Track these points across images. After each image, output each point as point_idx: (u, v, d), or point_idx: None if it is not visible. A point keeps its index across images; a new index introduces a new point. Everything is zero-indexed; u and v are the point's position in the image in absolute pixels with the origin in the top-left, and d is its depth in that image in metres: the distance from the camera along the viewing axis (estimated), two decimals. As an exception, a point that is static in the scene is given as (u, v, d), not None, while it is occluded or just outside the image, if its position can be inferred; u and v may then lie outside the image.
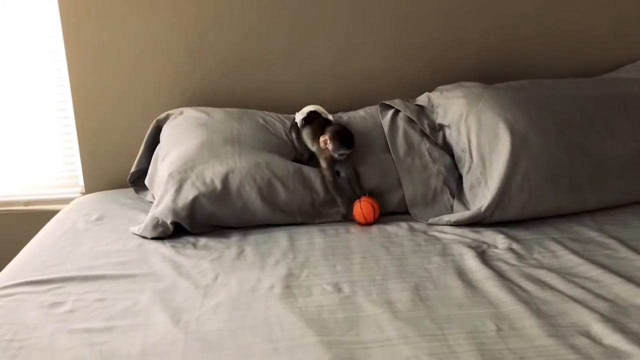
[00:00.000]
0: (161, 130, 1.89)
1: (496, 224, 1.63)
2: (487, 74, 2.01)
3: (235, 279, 1.37)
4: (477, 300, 1.24)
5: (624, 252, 1.44)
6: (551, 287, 1.28)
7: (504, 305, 1.21)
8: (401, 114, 1.85)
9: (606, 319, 1.14)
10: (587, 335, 1.10)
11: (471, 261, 1.42)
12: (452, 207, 1.72)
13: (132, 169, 1.92)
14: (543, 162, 1.67)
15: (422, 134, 1.81)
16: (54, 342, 1.12)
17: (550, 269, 1.37)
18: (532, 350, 1.06)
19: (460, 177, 1.78)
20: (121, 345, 1.10)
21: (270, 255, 1.49)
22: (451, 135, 1.81)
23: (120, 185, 2.03)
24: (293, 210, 1.67)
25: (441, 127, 1.85)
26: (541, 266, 1.39)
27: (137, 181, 1.93)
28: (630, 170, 1.74)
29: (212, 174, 1.64)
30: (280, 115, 1.89)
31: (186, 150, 1.70)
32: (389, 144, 1.78)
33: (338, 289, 1.30)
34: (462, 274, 1.36)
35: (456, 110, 1.81)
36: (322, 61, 2.05)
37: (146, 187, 1.88)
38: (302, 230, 1.64)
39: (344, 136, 1.69)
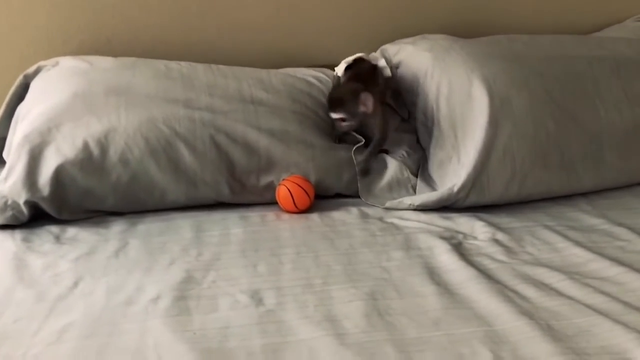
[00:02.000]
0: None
1: (471, 209, 1.26)
2: (455, 33, 1.64)
3: (105, 286, 0.91)
4: (460, 313, 0.85)
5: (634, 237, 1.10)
6: (559, 293, 0.91)
7: (499, 321, 0.82)
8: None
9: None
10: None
11: (445, 257, 1.03)
12: (414, 188, 1.33)
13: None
14: (529, 131, 1.30)
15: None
16: None
17: (552, 267, 1.00)
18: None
19: (423, 152, 1.40)
20: None
21: (165, 251, 1.04)
22: (412, 102, 1.43)
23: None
24: (204, 184, 1.21)
25: (398, 92, 1.47)
26: (539, 263, 1.02)
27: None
28: (628, 145, 1.41)
29: (86, 134, 1.17)
30: (194, 64, 1.41)
31: (52, 105, 1.23)
32: None
33: (257, 299, 0.88)
34: (434, 275, 0.96)
35: (419, 67, 1.43)
36: (253, 10, 1.61)
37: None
38: (215, 216, 1.20)
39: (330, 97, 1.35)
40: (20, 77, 1.45)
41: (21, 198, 1.11)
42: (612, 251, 1.06)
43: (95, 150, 1.17)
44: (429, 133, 1.37)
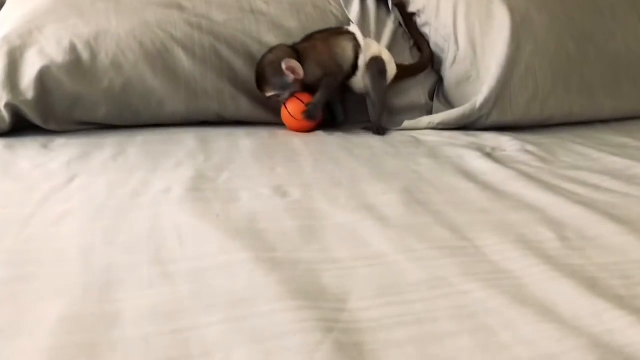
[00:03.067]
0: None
1: (492, 129, 1.18)
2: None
3: (104, 181, 0.80)
4: (507, 203, 0.77)
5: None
6: (611, 190, 0.83)
7: (553, 209, 0.74)
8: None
9: None
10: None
11: (477, 162, 0.95)
12: (430, 113, 1.25)
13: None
14: (550, 50, 1.24)
15: (397, 22, 1.34)
16: None
17: (594, 171, 0.93)
18: (631, 265, 0.60)
19: (437, 76, 1.32)
20: None
21: (169, 156, 0.93)
22: (426, 23, 1.34)
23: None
24: (205, 93, 1.10)
25: (410, 16, 1.38)
26: (578, 168, 0.95)
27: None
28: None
29: (73, 35, 1.05)
30: None
31: (32, 8, 1.09)
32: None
33: (281, 192, 0.78)
34: (469, 176, 0.88)
35: (432, -13, 1.35)
36: None
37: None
38: (221, 130, 1.09)
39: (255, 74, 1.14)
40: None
41: (1, 101, 0.98)
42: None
43: (84, 53, 1.04)
44: (444, 53, 1.28)
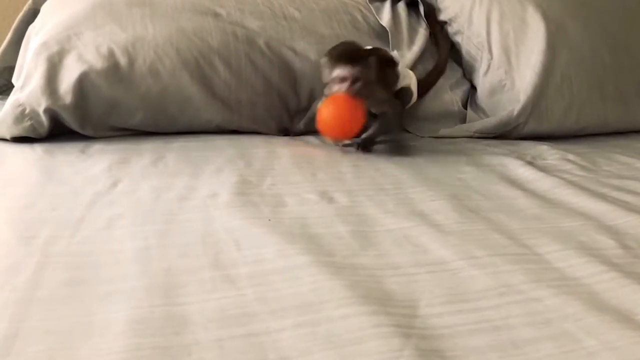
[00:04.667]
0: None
1: (528, 138, 1.17)
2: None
3: (148, 186, 0.79)
4: (559, 211, 0.75)
5: None
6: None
7: (607, 217, 0.73)
8: (401, 5, 1.35)
9: None
10: None
11: (521, 170, 0.93)
12: (463, 121, 1.24)
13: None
14: (586, 58, 1.23)
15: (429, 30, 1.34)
16: None
17: (639, 180, 0.91)
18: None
19: (471, 86, 1.31)
20: None
21: (209, 162, 0.92)
22: (458, 31, 1.34)
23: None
24: (240, 104, 1.09)
25: (442, 25, 1.37)
26: (624, 177, 0.93)
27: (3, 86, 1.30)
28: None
29: (111, 42, 1.05)
30: None
31: (70, 15, 1.10)
32: (390, 42, 1.26)
33: (328, 198, 0.77)
34: (515, 184, 0.87)
35: (463, -3, 1.34)
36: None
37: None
38: (257, 139, 1.08)
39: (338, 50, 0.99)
40: (29, 2, 1.33)
41: (41, 106, 0.98)
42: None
43: (122, 59, 1.04)
44: (477, 62, 1.27)
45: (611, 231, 0.68)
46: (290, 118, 1.15)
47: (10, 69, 1.25)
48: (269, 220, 0.67)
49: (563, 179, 0.89)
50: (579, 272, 0.56)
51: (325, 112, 0.98)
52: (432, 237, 0.64)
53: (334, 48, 1.00)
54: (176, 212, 0.69)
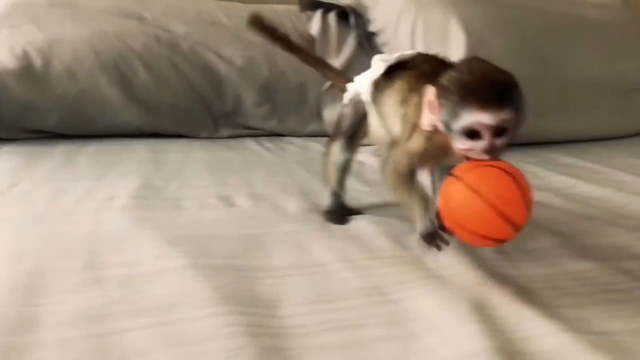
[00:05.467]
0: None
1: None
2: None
3: (47, 189, 0.78)
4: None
5: (620, 175, 1.07)
6: (551, 206, 0.85)
7: None
8: (332, 16, 1.37)
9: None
10: (633, 257, 0.68)
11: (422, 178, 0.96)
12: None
13: None
14: (505, 71, 1.27)
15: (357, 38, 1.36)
16: None
17: (540, 189, 0.95)
18: (563, 277, 0.61)
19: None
20: None
21: (119, 165, 0.91)
22: (385, 42, 1.37)
23: None
24: (160, 106, 1.09)
25: (370, 36, 1.40)
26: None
27: None
28: (599, 101, 1.41)
29: (26, 42, 1.04)
30: None
31: (-16, 13, 1.09)
32: (317, 50, 1.28)
33: (229, 202, 0.78)
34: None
35: (392, 7, 1.37)
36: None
37: None
38: (176, 142, 1.08)
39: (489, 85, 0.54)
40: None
41: (-53, 106, 0.97)
42: (594, 180, 1.02)
43: (37, 60, 1.03)
44: (403, 72, 1.30)
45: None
46: (214, 122, 1.16)
47: None
48: (158, 223, 0.67)
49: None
50: (446, 272, 0.58)
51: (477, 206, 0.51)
52: (320, 240, 0.65)
53: (465, 68, 0.57)
54: (68, 215, 0.69)
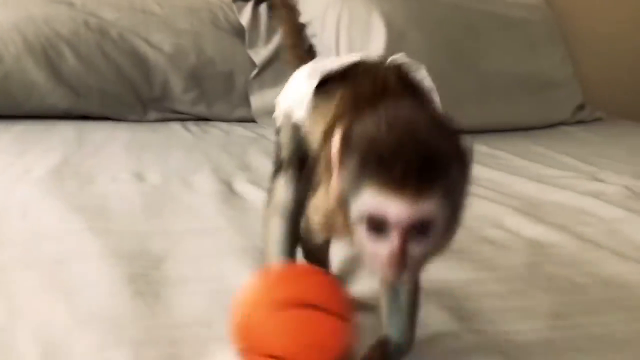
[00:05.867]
0: None
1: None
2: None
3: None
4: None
5: (518, 161, 1.17)
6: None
7: None
8: (263, 7, 1.44)
9: (520, 212, 0.82)
10: (501, 227, 0.77)
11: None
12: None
13: None
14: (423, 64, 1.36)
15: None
16: None
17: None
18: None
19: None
20: None
21: (41, 143, 0.96)
22: (313, 34, 1.44)
23: None
24: (88, 90, 1.14)
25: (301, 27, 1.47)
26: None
27: None
28: (516, 94, 1.52)
29: (-49, 25, 1.07)
30: None
31: None
32: (247, 40, 1.35)
33: (141, 177, 0.83)
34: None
35: (319, 1, 1.45)
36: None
37: None
38: (102, 124, 1.13)
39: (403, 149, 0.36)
40: None
41: None
42: (495, 166, 1.11)
43: None
44: (328, 63, 1.38)
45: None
46: (143, 106, 1.21)
47: None
48: (71, 194, 0.72)
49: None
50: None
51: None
52: (219, 210, 0.72)
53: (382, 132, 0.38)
54: (-20, 186, 0.74)
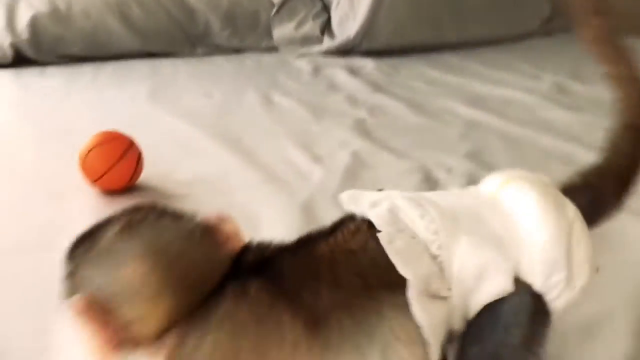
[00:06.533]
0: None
1: (367, 53, 1.64)
2: None
3: (93, 94, 1.24)
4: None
5: (483, 69, 1.53)
6: (419, 89, 1.33)
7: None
8: None
9: (468, 103, 1.22)
10: (452, 113, 1.17)
11: (342, 76, 1.43)
12: (320, 43, 1.70)
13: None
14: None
15: None
16: None
17: (418, 79, 1.42)
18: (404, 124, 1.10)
19: (328, 15, 1.76)
20: None
21: (131, 78, 1.37)
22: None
23: None
24: (155, 34, 1.52)
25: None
26: (409, 78, 1.43)
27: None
28: (491, 7, 1.83)
29: (52, -11, 1.46)
30: None
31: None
32: None
33: (209, 96, 1.24)
34: (334, 87, 1.36)
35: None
36: None
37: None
38: (164, 61, 1.52)
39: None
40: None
41: (6, 41, 1.38)
42: (460, 74, 1.49)
43: (61, 4, 1.45)
44: (332, 1, 1.73)
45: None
46: (191, 43, 1.58)
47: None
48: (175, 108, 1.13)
49: (368, 81, 1.38)
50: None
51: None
52: (265, 111, 1.12)
53: None
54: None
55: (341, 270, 0.34)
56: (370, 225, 0.36)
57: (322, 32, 1.73)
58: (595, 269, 0.38)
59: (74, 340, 0.30)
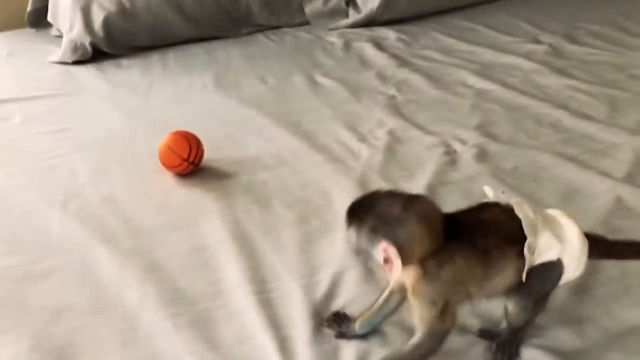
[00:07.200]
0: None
1: (388, 23, 1.87)
2: None
3: (169, 84, 1.52)
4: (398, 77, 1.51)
5: (490, 33, 1.76)
6: (436, 60, 1.58)
7: (439, 74, 1.49)
8: None
9: (477, 74, 1.46)
10: (464, 84, 1.42)
11: (370, 50, 1.67)
12: (347, 15, 1.93)
13: (28, 9, 1.89)
14: None
15: None
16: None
17: (434, 49, 1.66)
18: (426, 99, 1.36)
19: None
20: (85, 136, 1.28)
21: (194, 65, 1.63)
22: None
23: (14, 27, 1.97)
24: (207, 21, 1.78)
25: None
26: (427, 48, 1.68)
27: (36, 22, 1.91)
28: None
29: (117, -8, 1.71)
30: None
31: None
32: None
33: (264, 81, 1.51)
34: (365, 64, 1.61)
35: None
36: None
37: (46, 26, 1.87)
38: (215, 43, 1.78)
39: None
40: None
41: (86, 40, 1.66)
42: (472, 38, 1.72)
43: (127, 4, 1.70)
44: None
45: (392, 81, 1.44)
46: (235, 25, 1.82)
47: (38, 11, 1.86)
48: (237, 96, 1.40)
49: (392, 54, 1.63)
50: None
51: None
52: (312, 91, 1.39)
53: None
54: (190, 98, 1.42)
55: (495, 228, 0.67)
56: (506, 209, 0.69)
57: (347, 4, 1.95)
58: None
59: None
